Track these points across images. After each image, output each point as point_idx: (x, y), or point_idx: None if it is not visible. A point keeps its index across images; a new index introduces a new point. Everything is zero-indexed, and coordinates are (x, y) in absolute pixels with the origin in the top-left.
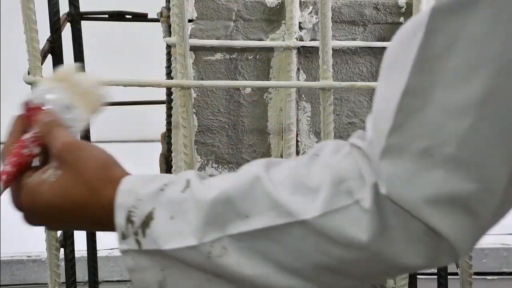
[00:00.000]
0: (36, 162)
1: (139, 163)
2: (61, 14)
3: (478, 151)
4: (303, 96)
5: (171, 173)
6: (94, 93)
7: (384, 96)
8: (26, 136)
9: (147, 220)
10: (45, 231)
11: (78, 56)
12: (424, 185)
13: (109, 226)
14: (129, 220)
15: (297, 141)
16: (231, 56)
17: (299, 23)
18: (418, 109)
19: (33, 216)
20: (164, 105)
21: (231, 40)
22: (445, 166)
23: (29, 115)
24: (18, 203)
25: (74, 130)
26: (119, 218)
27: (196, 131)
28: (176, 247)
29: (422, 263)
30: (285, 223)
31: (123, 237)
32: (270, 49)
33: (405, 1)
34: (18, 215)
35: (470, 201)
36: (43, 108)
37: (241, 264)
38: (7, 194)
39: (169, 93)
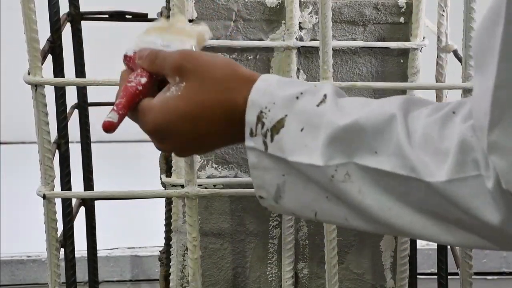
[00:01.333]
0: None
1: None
2: (61, 14)
3: None
4: None
5: (171, 173)
6: (191, 30)
7: (478, 91)
8: (130, 77)
9: (278, 126)
10: (45, 231)
11: (78, 56)
12: None
13: (241, 133)
14: (259, 119)
15: None
16: (231, 56)
17: (299, 23)
18: None
19: (168, 135)
20: None
21: (231, 40)
22: None
23: (129, 64)
24: (151, 128)
25: None
26: (250, 115)
27: None
28: (301, 161)
29: None
30: (408, 176)
31: (251, 134)
32: (270, 49)
33: (405, 1)
34: (18, 215)
35: None
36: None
37: (363, 192)
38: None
39: None
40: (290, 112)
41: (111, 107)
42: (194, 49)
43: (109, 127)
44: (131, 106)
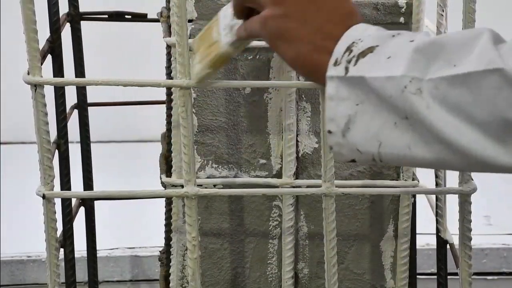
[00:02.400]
0: None
1: (139, 163)
2: (61, 14)
3: None
4: (303, 96)
5: (171, 173)
6: None
7: None
8: None
9: (366, 52)
10: (44, 231)
11: (78, 56)
12: None
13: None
14: (348, 48)
15: (297, 141)
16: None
17: None
18: None
19: None
20: (164, 105)
21: None
22: None
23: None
24: None
25: None
26: (341, 45)
27: (196, 131)
28: (378, 75)
29: None
30: (484, 70)
31: (335, 63)
32: (270, 49)
33: (405, 1)
34: (18, 215)
35: None
36: None
37: (430, 108)
38: None
39: (169, 93)
40: (383, 43)
41: (111, 107)
42: None
43: None
44: None
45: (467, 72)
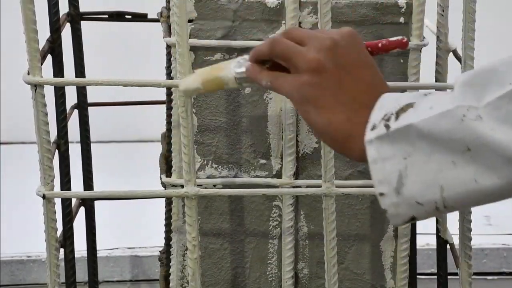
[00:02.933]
0: None
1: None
2: (61, 14)
3: None
4: None
5: (171, 173)
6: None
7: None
8: None
9: (405, 108)
10: (44, 231)
11: (78, 56)
12: None
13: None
14: (385, 115)
15: (297, 141)
16: (230, 56)
17: (299, 23)
18: None
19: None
20: (164, 105)
21: (231, 40)
22: None
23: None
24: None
25: None
26: (377, 113)
27: (196, 131)
28: (428, 116)
29: None
30: None
31: (373, 128)
32: None
33: (405, 1)
34: (18, 215)
35: None
36: None
37: (495, 129)
38: None
39: (169, 93)
40: (419, 100)
41: (111, 107)
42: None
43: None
44: None
45: None
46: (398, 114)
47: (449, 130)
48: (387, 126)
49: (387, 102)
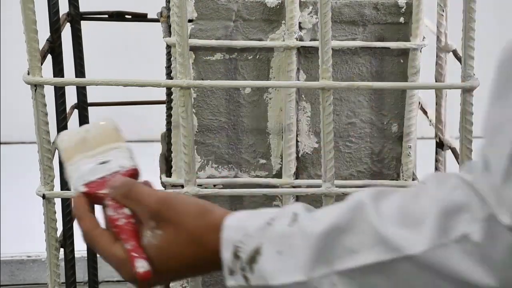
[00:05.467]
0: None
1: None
2: (61, 14)
3: None
4: (303, 96)
5: (171, 173)
6: (107, 132)
7: (499, 120)
8: (110, 212)
9: (255, 255)
10: (44, 231)
11: (78, 56)
12: None
13: (219, 267)
14: (236, 255)
15: (297, 141)
16: (230, 56)
17: (299, 23)
18: None
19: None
20: (164, 105)
21: (231, 40)
22: None
23: (91, 192)
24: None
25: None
26: (226, 254)
27: (196, 131)
28: (284, 282)
29: None
30: (393, 259)
31: (231, 273)
32: (270, 49)
33: (405, 1)
34: (18, 215)
35: None
36: (103, 178)
37: None
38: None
39: (169, 93)
40: (265, 239)
41: (111, 107)
42: (129, 153)
43: (148, 275)
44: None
45: (376, 262)
46: (250, 265)
47: None
48: (245, 278)
49: (231, 239)
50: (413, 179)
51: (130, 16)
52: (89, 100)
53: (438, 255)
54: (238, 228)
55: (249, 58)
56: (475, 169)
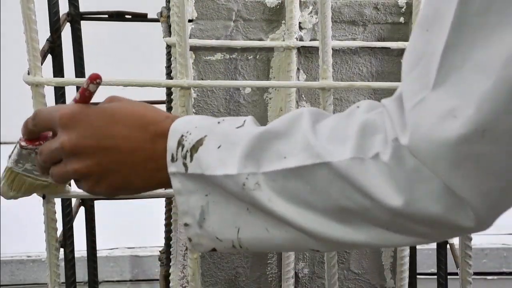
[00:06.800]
0: None
1: None
2: (61, 14)
3: (494, 115)
4: (303, 96)
5: None
6: None
7: (423, 50)
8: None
9: (197, 146)
10: (44, 231)
11: (78, 56)
12: (444, 142)
13: (164, 170)
14: (179, 143)
15: None
16: (231, 56)
17: (299, 23)
18: (458, 66)
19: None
20: (164, 105)
21: (231, 40)
22: (464, 128)
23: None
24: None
25: None
26: (171, 142)
27: None
28: (216, 173)
29: (443, 221)
30: (313, 164)
31: (172, 159)
32: (270, 49)
33: (405, 1)
34: (18, 215)
35: (489, 162)
36: None
37: (272, 201)
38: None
39: (169, 93)
40: (210, 133)
41: None
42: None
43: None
44: None
45: (298, 166)
46: (191, 153)
47: (234, 192)
48: (185, 165)
49: (179, 130)
50: None
51: (130, 16)
52: None
53: (354, 167)
54: (188, 121)
55: (249, 58)
56: (396, 92)
